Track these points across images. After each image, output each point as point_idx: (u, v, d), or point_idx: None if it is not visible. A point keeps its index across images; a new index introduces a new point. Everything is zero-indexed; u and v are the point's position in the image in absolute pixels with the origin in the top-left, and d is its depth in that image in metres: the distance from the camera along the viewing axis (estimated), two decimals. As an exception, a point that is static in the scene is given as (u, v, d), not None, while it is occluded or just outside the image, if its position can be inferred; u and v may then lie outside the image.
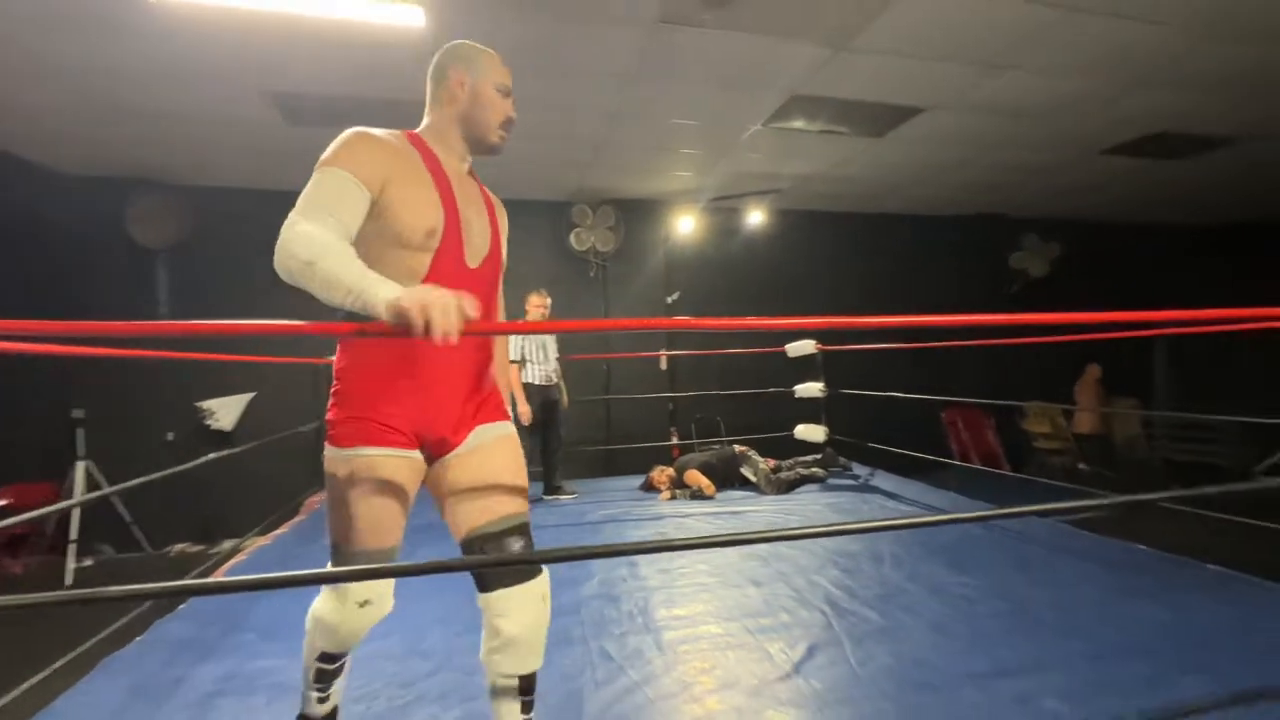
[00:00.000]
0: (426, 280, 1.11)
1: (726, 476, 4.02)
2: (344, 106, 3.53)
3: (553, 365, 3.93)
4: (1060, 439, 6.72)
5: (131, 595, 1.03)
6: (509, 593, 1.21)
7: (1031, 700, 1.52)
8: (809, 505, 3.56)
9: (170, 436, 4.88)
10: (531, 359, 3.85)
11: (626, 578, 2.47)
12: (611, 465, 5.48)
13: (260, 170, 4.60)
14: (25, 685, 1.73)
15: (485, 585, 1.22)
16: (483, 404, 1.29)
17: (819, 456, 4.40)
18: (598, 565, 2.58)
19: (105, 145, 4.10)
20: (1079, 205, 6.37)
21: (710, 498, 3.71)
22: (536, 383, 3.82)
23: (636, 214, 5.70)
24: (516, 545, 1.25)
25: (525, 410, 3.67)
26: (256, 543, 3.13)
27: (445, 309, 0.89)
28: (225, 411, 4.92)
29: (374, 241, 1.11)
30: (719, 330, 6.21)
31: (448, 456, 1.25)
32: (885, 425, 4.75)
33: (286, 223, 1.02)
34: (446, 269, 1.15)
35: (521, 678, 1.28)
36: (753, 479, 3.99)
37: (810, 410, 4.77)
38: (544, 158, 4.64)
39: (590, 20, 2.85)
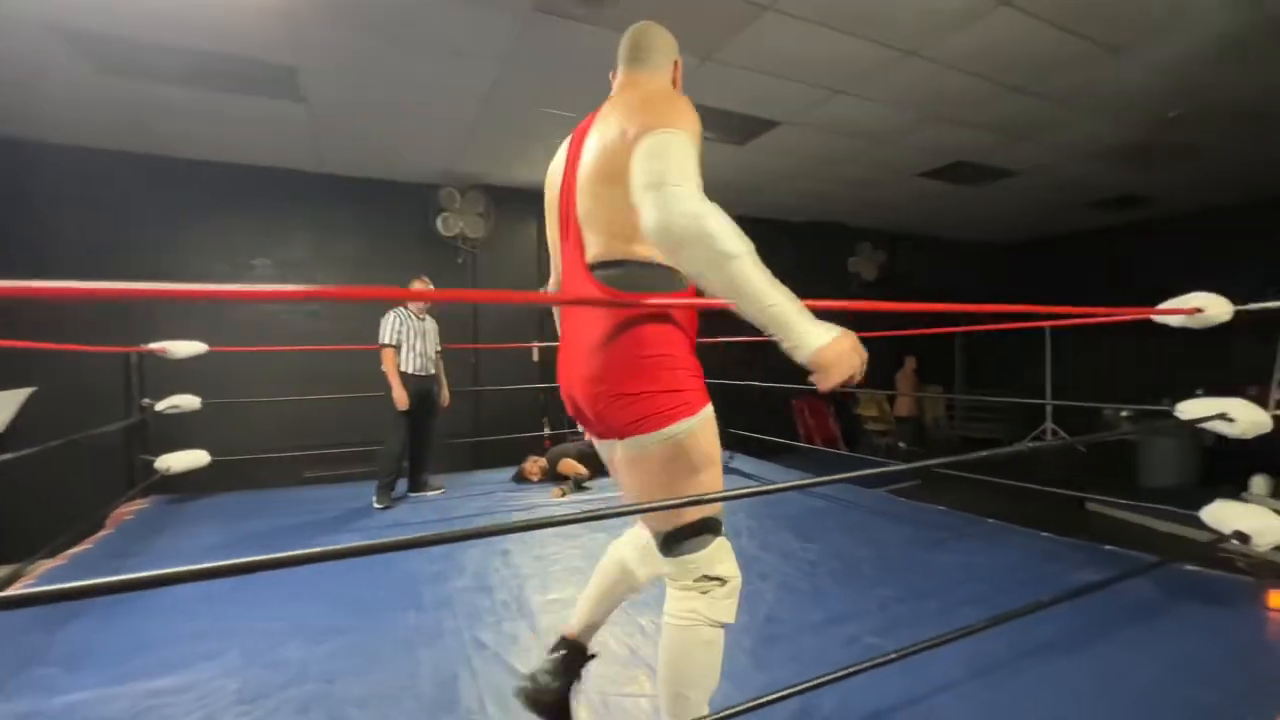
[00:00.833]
0: None
1: (600, 465, 4.11)
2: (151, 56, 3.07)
3: (431, 356, 3.74)
4: (885, 422, 7.75)
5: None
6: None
7: (857, 640, 1.79)
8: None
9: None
10: (409, 345, 3.62)
11: (499, 567, 2.47)
12: (480, 458, 5.35)
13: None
14: None
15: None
16: None
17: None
18: (469, 557, 2.55)
19: None
20: (900, 219, 7.35)
21: (587, 486, 3.79)
22: (412, 371, 3.62)
23: (509, 202, 5.59)
24: None
25: (401, 395, 3.50)
26: (42, 566, 2.64)
27: (857, 368, 0.97)
28: (-6, 410, 4.04)
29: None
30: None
31: None
32: (745, 412, 5.17)
33: (688, 194, 0.95)
34: None
35: None
36: (622, 467, 4.13)
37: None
38: (411, 137, 4.39)
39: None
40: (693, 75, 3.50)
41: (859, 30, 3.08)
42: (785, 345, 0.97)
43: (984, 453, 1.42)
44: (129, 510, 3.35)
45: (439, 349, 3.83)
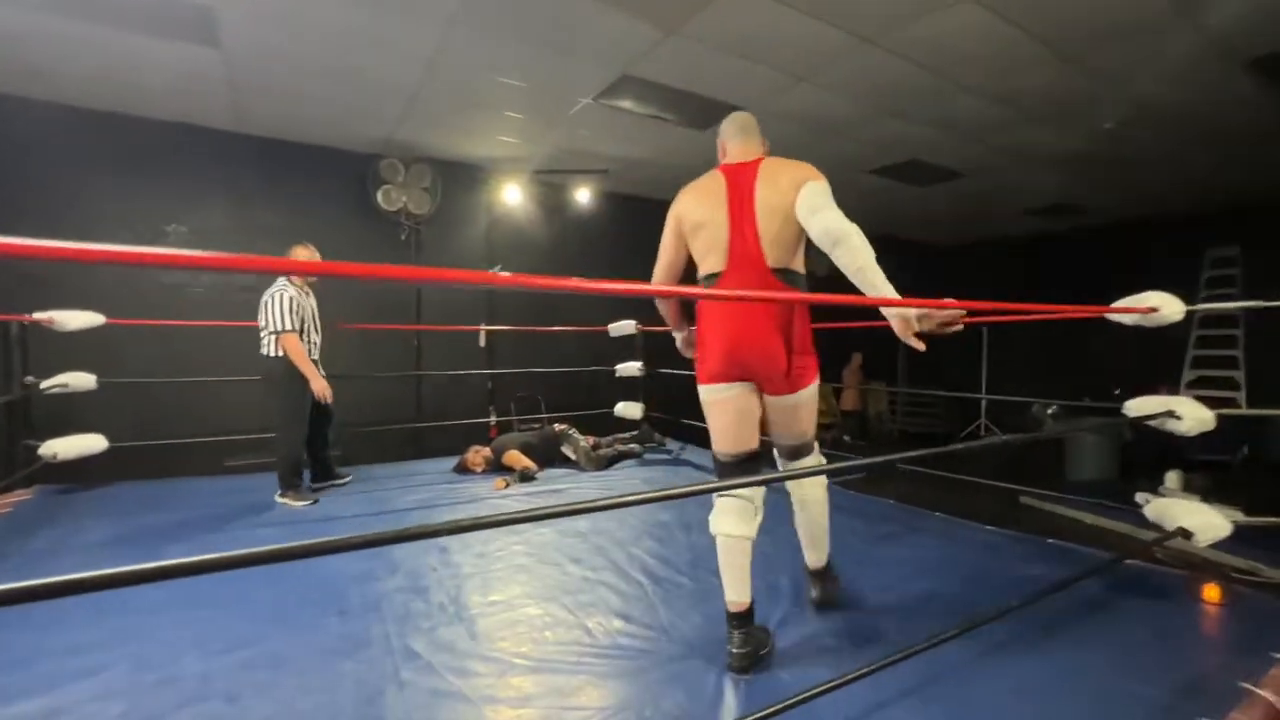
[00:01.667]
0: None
1: (547, 455, 3.95)
2: None
3: (318, 337, 3.33)
4: (831, 415, 7.90)
5: None
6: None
7: (813, 639, 1.73)
8: (626, 480, 3.67)
9: None
10: (309, 327, 3.21)
11: (436, 566, 2.29)
12: (422, 446, 5.08)
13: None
14: None
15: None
16: None
17: (635, 433, 4.56)
18: (402, 556, 2.35)
19: None
20: (853, 217, 7.45)
21: (534, 478, 3.62)
22: (315, 357, 3.25)
23: (456, 177, 5.29)
24: None
25: (322, 385, 3.16)
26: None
27: (942, 318, 1.52)
28: None
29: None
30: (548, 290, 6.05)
31: None
32: (698, 403, 5.09)
33: (840, 214, 1.61)
34: None
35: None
36: (573, 457, 3.99)
37: (630, 388, 4.93)
38: (350, 101, 4.05)
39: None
40: (658, 51, 3.36)
41: (824, 13, 3.01)
42: (889, 313, 1.52)
43: (957, 446, 1.36)
44: (7, 502, 2.95)
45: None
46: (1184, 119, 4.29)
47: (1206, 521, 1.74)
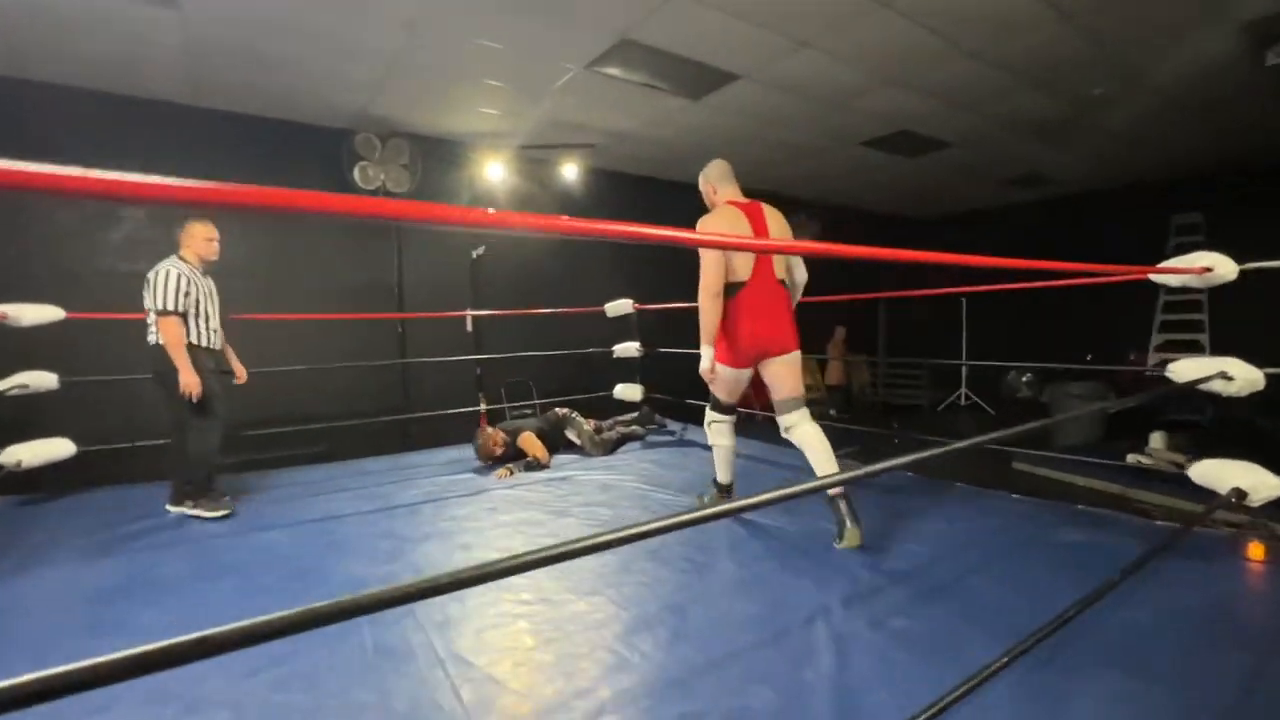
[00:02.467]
0: None
1: (554, 441, 3.82)
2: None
3: (219, 325, 2.89)
4: (818, 390, 7.93)
5: None
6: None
7: (883, 624, 1.66)
8: (637, 464, 3.56)
9: None
10: (200, 310, 2.72)
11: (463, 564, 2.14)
12: (410, 439, 4.87)
13: None
14: None
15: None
16: None
17: (636, 415, 4.45)
18: (425, 557, 2.20)
19: None
20: (833, 190, 7.42)
21: (545, 466, 3.48)
22: (205, 344, 2.75)
23: (436, 154, 5.01)
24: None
25: (192, 380, 2.59)
26: None
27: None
28: None
29: None
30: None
31: None
32: (691, 382, 4.99)
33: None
34: None
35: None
36: (577, 441, 3.86)
37: (624, 370, 4.81)
38: (322, 67, 3.75)
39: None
40: (661, 13, 3.18)
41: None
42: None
43: (1023, 428, 1.29)
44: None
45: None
46: (1170, 84, 4.34)
47: (1260, 480, 1.74)
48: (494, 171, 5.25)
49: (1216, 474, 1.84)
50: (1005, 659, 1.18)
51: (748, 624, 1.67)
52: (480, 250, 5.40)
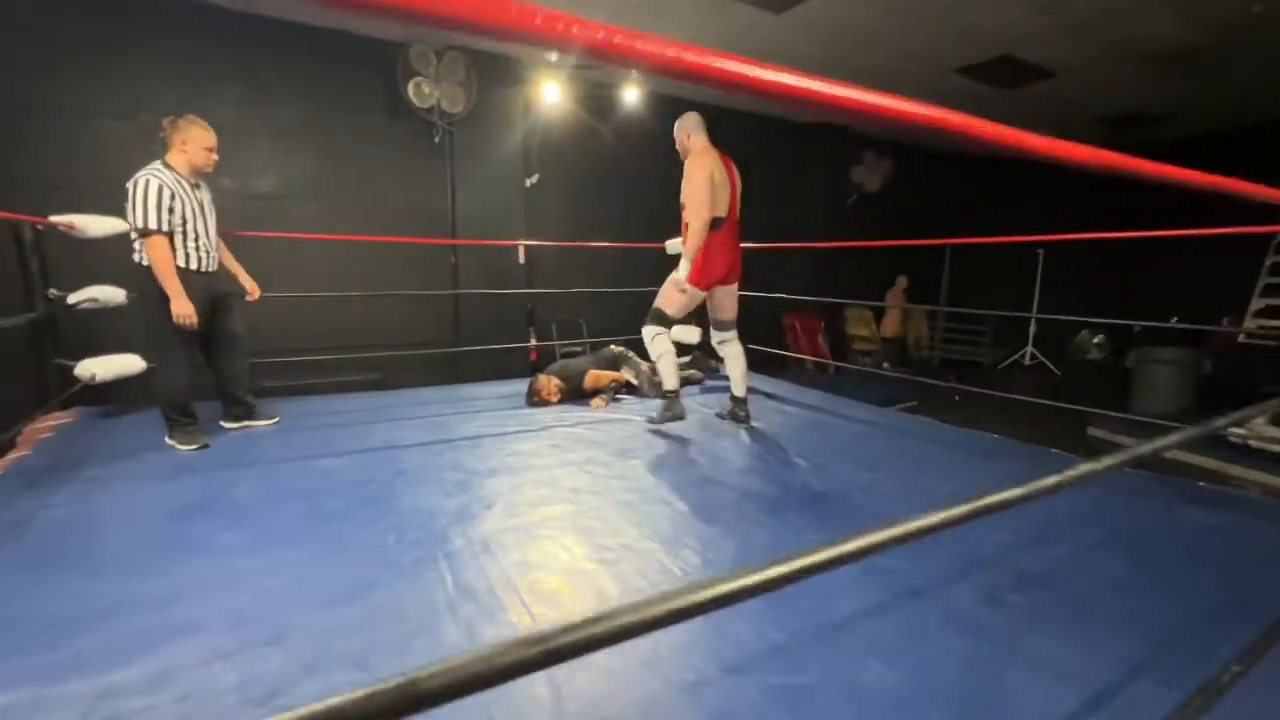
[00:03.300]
0: None
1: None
2: None
3: (215, 241, 2.61)
4: (873, 341, 7.62)
5: None
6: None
7: (998, 599, 1.52)
8: (696, 408, 3.42)
9: None
10: (190, 229, 2.45)
11: (537, 501, 2.07)
12: (461, 371, 4.84)
13: None
14: None
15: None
16: None
17: (690, 358, 4.29)
18: (494, 491, 2.13)
19: None
20: (909, 128, 6.82)
21: (629, 385, 3.61)
22: (197, 267, 2.49)
23: (491, 71, 4.71)
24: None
25: (186, 309, 2.39)
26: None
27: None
28: None
29: None
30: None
31: None
32: (749, 324, 4.77)
33: None
34: None
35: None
36: (634, 381, 3.74)
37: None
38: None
39: None
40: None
41: None
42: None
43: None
44: (47, 425, 2.73)
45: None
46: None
47: None
48: (550, 93, 4.93)
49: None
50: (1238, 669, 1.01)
51: (854, 593, 1.55)
52: (534, 179, 5.16)
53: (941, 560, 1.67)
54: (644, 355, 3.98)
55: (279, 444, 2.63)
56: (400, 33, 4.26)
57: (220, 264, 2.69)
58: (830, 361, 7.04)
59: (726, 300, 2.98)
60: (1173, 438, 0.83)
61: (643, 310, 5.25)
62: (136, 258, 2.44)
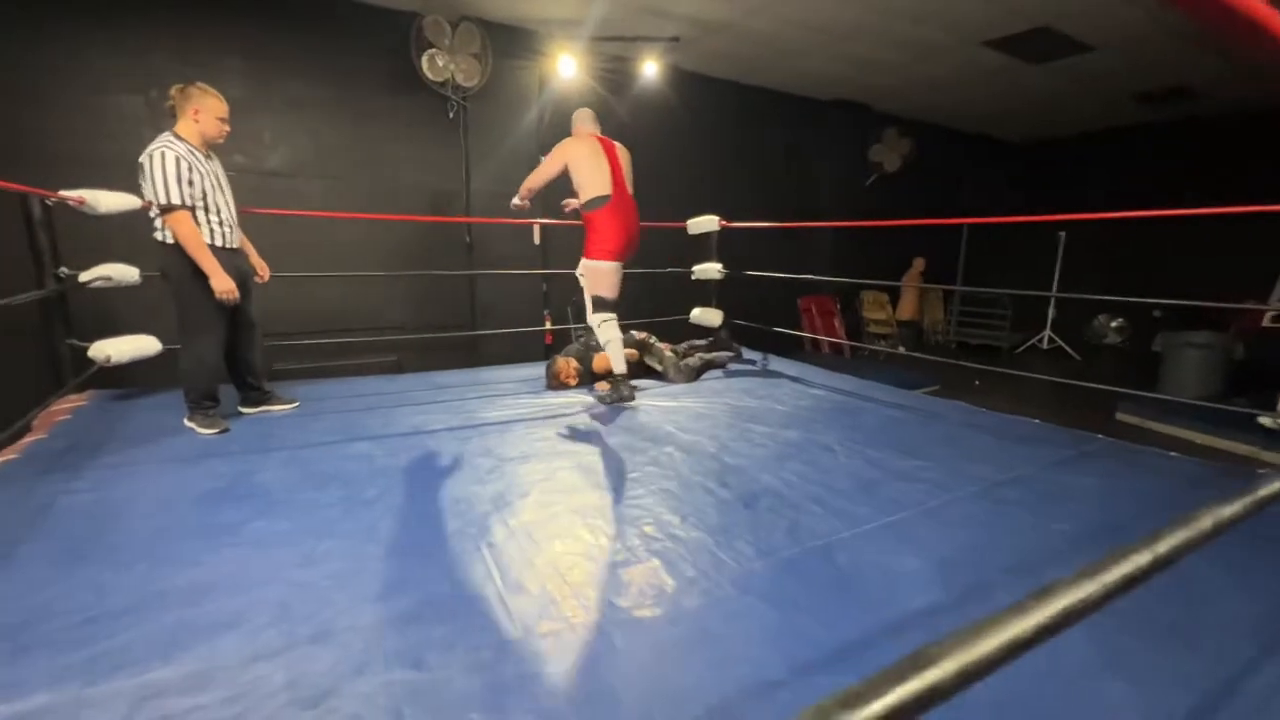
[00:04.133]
0: None
1: (630, 368, 3.61)
2: None
3: (235, 214, 2.52)
4: (889, 325, 7.51)
5: None
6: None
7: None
8: (725, 393, 3.34)
9: None
10: (211, 202, 2.35)
11: (580, 486, 2.00)
12: (478, 355, 4.76)
13: None
14: None
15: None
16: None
17: (712, 340, 4.21)
18: (527, 479, 2.06)
19: None
20: (932, 104, 6.64)
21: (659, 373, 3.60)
22: (222, 243, 2.41)
23: (506, 46, 4.56)
24: None
25: (229, 285, 2.34)
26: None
27: None
28: None
29: None
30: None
31: None
32: (751, 308, 4.67)
33: None
34: None
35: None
36: (658, 368, 3.65)
37: (698, 292, 4.51)
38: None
39: None
40: None
41: None
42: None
43: None
44: (62, 408, 2.66)
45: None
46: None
47: None
48: (565, 66, 4.77)
49: None
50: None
51: (920, 583, 1.47)
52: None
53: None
54: (664, 340, 3.91)
55: (301, 429, 2.56)
56: (414, 1, 4.10)
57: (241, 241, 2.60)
58: (847, 343, 6.95)
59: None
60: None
61: (663, 290, 5.20)
62: (159, 235, 2.33)
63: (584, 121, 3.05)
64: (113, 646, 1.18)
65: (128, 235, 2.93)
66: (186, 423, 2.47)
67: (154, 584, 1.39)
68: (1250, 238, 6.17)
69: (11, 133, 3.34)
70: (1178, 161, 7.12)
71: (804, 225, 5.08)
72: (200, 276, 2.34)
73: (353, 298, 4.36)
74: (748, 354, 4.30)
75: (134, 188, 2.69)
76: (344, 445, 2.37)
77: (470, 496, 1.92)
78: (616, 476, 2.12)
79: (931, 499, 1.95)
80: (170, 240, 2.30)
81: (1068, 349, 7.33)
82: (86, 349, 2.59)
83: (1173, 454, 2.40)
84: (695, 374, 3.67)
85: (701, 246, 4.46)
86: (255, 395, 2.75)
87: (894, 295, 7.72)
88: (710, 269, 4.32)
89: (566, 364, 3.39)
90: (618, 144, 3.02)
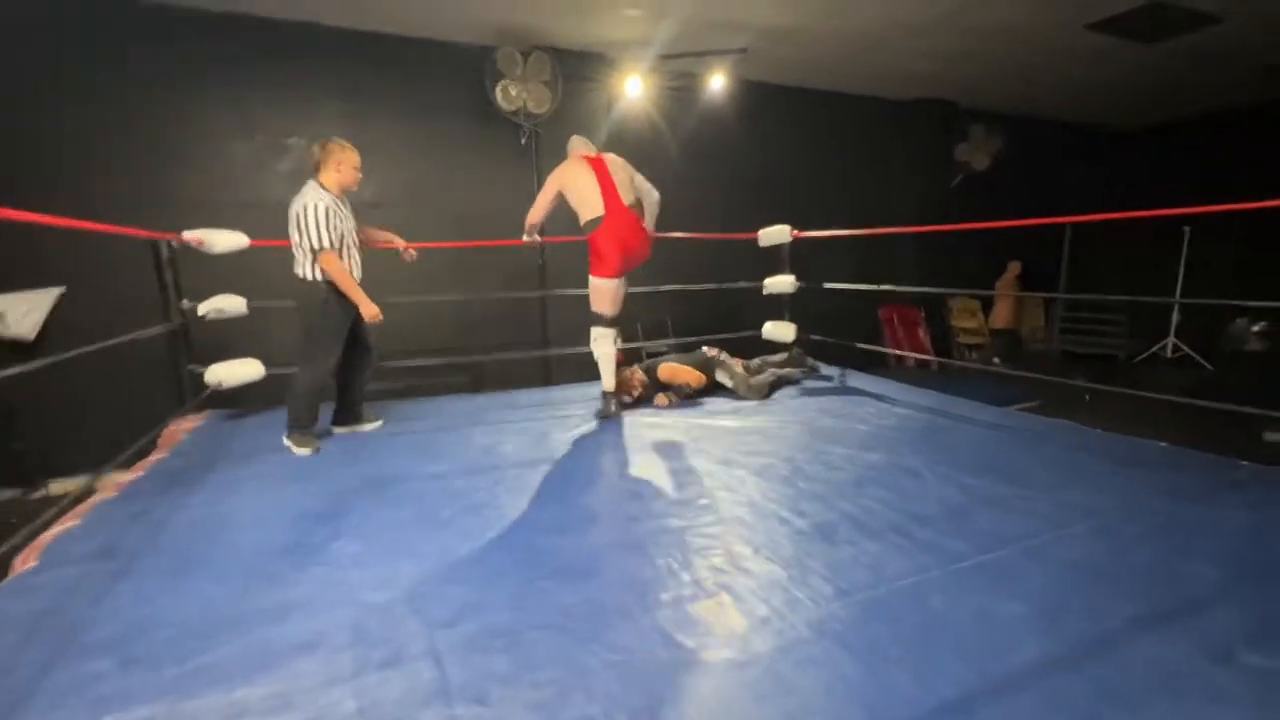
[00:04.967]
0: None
1: (710, 375, 3.55)
2: None
3: (360, 253, 2.80)
4: (980, 335, 6.99)
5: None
6: None
7: (1233, 658, 1.23)
8: (800, 411, 3.20)
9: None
10: (349, 241, 2.68)
11: (638, 515, 1.96)
12: (549, 375, 4.85)
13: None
14: None
15: None
16: None
17: (785, 356, 4.05)
18: (593, 506, 2.04)
19: None
20: (1026, 96, 6.16)
21: (700, 392, 3.41)
22: (358, 276, 2.72)
23: (576, 69, 4.68)
24: None
25: (375, 310, 2.65)
26: (100, 492, 2.22)
27: None
28: (20, 312, 3.61)
29: None
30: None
31: None
32: (827, 321, 4.46)
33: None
34: None
35: None
36: (729, 384, 3.56)
37: (770, 306, 4.38)
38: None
39: None
40: None
41: None
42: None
43: None
44: (183, 427, 2.93)
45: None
46: None
47: None
48: (633, 86, 4.82)
49: None
50: None
51: (1027, 632, 1.31)
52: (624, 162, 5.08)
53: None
54: (735, 354, 3.80)
55: (385, 448, 2.69)
56: (487, 36, 4.30)
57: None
58: (934, 358, 6.52)
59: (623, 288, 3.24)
60: None
61: (735, 304, 5.09)
62: (300, 271, 2.60)
63: (577, 146, 3.14)
64: (206, 663, 1.25)
65: (236, 271, 3.22)
66: (285, 440, 2.66)
67: (246, 601, 1.48)
68: None
69: (140, 177, 3.78)
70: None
71: (880, 232, 4.83)
72: (329, 308, 2.61)
73: (431, 319, 4.57)
74: (826, 369, 4.11)
75: (245, 226, 2.95)
76: (423, 466, 2.46)
77: (537, 522, 1.93)
78: (684, 502, 2.05)
79: (1037, 534, 1.75)
80: (309, 276, 2.58)
81: (1197, 357, 6.51)
82: (203, 373, 2.86)
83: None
84: (768, 390, 3.54)
85: (774, 258, 4.33)
86: (352, 414, 2.93)
87: (987, 303, 7.18)
88: (782, 282, 4.19)
89: (632, 373, 3.38)
90: (610, 156, 3.06)
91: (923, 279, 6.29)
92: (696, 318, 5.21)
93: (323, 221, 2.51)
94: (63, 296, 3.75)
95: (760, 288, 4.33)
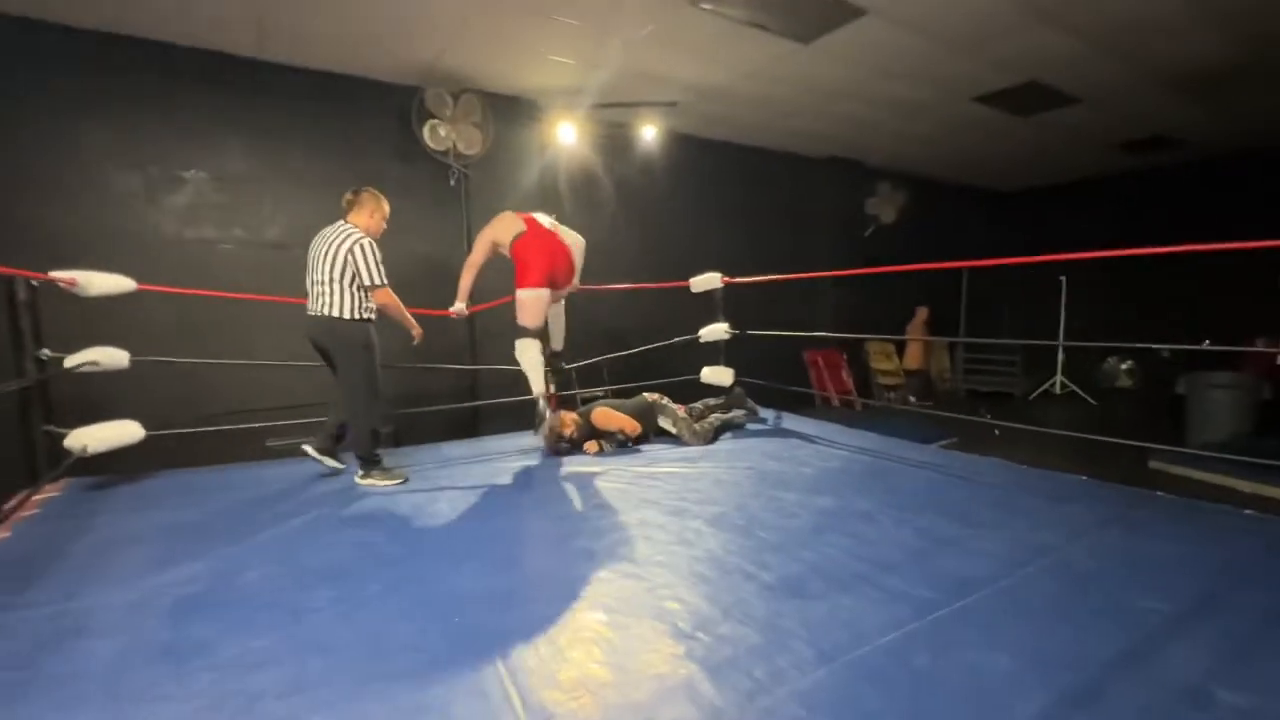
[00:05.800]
0: None
1: (644, 430, 3.44)
2: None
3: None
4: (896, 375, 7.39)
5: None
6: None
7: (1203, 691, 1.22)
8: (744, 455, 3.15)
9: None
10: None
11: (626, 565, 1.78)
12: (478, 424, 4.58)
13: None
14: None
15: None
16: None
17: (723, 399, 4.04)
18: (607, 526, 1.85)
19: None
20: (920, 158, 6.78)
21: (630, 444, 3.17)
22: (375, 318, 2.91)
23: (507, 114, 4.63)
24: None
25: (421, 329, 2.98)
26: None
27: None
28: None
29: None
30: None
31: None
32: (758, 365, 4.53)
33: None
34: None
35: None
36: (672, 430, 3.48)
37: (706, 352, 4.39)
38: (391, 18, 3.39)
39: None
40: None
41: None
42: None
43: None
44: (32, 502, 2.44)
45: None
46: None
47: None
48: (565, 133, 4.84)
49: None
50: None
51: (1020, 688, 1.25)
52: (553, 220, 5.01)
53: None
54: (676, 400, 3.74)
55: (322, 504, 2.35)
56: (415, 77, 4.18)
57: None
58: (857, 398, 6.79)
59: (554, 302, 3.36)
60: None
61: (668, 355, 5.08)
62: (339, 312, 2.61)
63: (504, 218, 3.34)
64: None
65: (117, 318, 2.81)
66: (361, 481, 2.63)
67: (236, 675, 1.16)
68: (1248, 277, 6.18)
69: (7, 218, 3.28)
70: (1167, 206, 7.23)
71: (804, 276, 5.03)
72: (373, 344, 2.70)
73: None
74: (761, 411, 4.13)
75: (131, 268, 2.60)
76: (338, 531, 2.15)
77: (479, 592, 1.70)
78: (642, 560, 1.90)
79: (998, 577, 1.74)
80: (355, 315, 2.63)
81: (1081, 393, 7.19)
82: (64, 436, 2.41)
83: (1247, 511, 2.20)
84: (712, 435, 3.49)
85: (706, 305, 4.37)
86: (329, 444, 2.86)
87: (901, 345, 7.63)
88: (717, 330, 4.22)
89: (565, 415, 3.25)
90: (539, 214, 3.34)
91: (842, 325, 6.62)
92: (634, 362, 5.14)
93: (375, 259, 2.64)
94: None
95: (697, 338, 4.33)
